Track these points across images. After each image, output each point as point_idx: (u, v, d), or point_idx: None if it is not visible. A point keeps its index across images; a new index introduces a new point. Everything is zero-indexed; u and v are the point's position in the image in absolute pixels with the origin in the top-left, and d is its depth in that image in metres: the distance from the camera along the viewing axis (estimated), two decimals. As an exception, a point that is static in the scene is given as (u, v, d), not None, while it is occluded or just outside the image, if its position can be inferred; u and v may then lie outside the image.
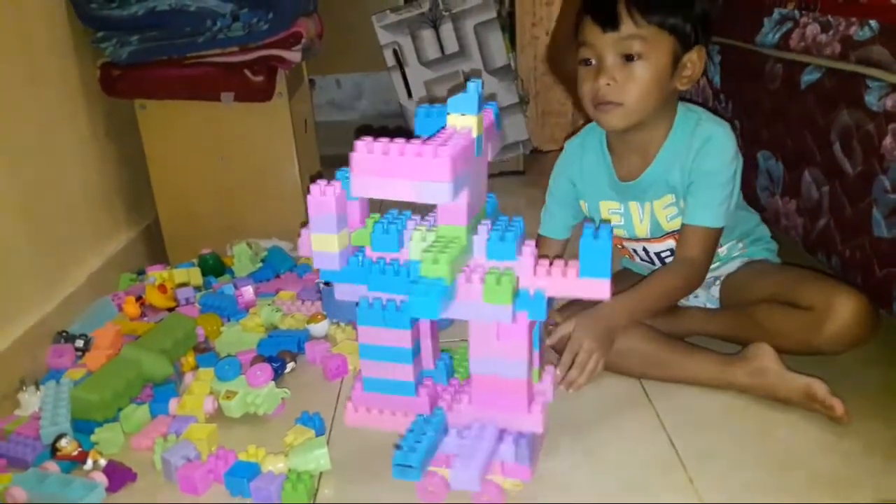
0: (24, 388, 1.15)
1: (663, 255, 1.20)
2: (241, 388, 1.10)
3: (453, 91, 0.82)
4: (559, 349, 1.05)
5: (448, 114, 0.81)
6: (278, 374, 1.17)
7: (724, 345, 1.15)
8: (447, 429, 0.90)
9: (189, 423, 1.06)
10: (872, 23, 1.09)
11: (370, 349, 0.91)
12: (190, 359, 1.24)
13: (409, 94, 2.23)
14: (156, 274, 1.53)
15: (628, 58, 1.03)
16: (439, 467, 0.90)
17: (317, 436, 1.02)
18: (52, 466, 0.98)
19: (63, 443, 1.00)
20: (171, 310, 1.43)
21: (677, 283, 1.11)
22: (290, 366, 1.22)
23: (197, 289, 1.52)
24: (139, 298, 1.45)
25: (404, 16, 2.18)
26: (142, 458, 1.02)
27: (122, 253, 1.64)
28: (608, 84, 1.04)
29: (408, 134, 0.84)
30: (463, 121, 0.80)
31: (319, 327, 1.31)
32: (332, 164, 2.31)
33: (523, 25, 2.37)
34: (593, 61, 1.06)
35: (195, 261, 1.61)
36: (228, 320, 1.39)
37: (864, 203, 1.12)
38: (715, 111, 1.57)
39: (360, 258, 0.89)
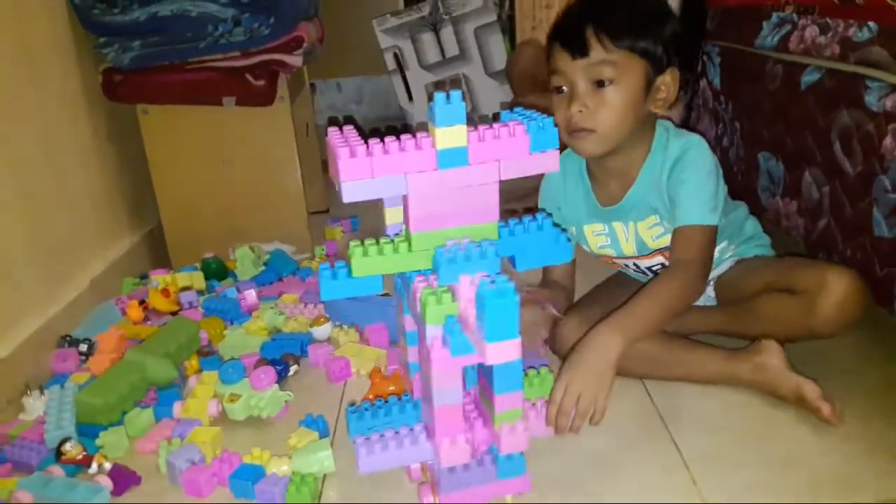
0: (29, 392, 1.15)
1: (655, 268, 1.19)
2: (245, 391, 1.10)
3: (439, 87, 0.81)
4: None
5: (437, 127, 0.76)
6: (281, 377, 1.17)
7: (726, 341, 1.15)
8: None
9: (193, 426, 1.06)
10: (871, 24, 1.09)
11: None
12: (193, 362, 1.24)
13: (410, 98, 2.24)
14: (159, 278, 1.54)
15: (599, 83, 1.02)
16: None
17: (320, 438, 1.02)
18: (56, 470, 0.98)
19: (67, 447, 1.01)
20: (174, 314, 1.44)
21: (676, 292, 1.03)
22: (293, 369, 1.22)
23: (200, 292, 1.53)
24: (142, 302, 1.46)
25: (405, 20, 2.19)
26: (146, 461, 1.02)
27: (125, 257, 1.64)
28: (580, 111, 1.03)
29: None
30: (452, 132, 0.77)
31: (322, 330, 1.31)
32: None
33: (523, 29, 2.38)
34: (565, 88, 1.05)
35: (198, 264, 1.62)
36: (231, 324, 1.40)
37: (865, 203, 1.12)
38: (715, 112, 1.58)
39: None
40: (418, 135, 0.79)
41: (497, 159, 0.78)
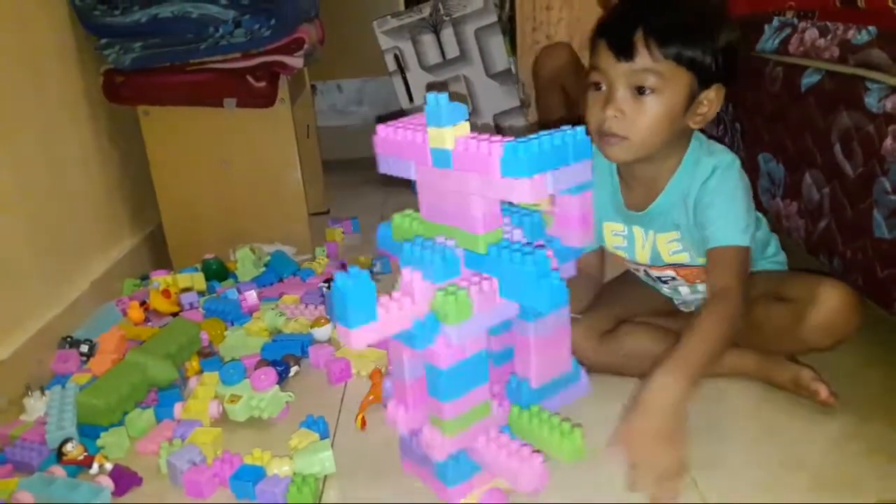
0: (30, 393, 1.15)
1: (664, 278, 1.17)
2: (246, 391, 1.10)
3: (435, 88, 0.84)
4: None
5: (441, 128, 0.78)
6: (282, 378, 1.18)
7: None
8: None
9: (194, 427, 1.06)
10: (871, 28, 1.10)
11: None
12: (194, 363, 1.25)
13: (411, 99, 2.24)
14: (160, 279, 1.54)
15: (640, 90, 0.97)
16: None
17: (321, 439, 1.02)
18: (58, 471, 0.98)
19: (69, 447, 1.01)
20: (174, 315, 1.44)
21: (724, 327, 0.94)
22: (293, 369, 1.22)
23: (200, 294, 1.53)
24: (143, 303, 1.46)
25: (405, 21, 2.19)
26: (147, 462, 1.03)
27: (126, 258, 1.65)
28: (615, 116, 0.98)
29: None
30: (441, 134, 0.78)
31: (323, 331, 1.31)
32: (334, 168, 2.34)
33: (524, 30, 2.39)
34: (603, 87, 1.00)
35: (199, 266, 1.62)
36: (232, 325, 1.40)
37: (865, 204, 1.12)
38: (716, 114, 1.57)
39: None
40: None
41: (476, 171, 0.76)
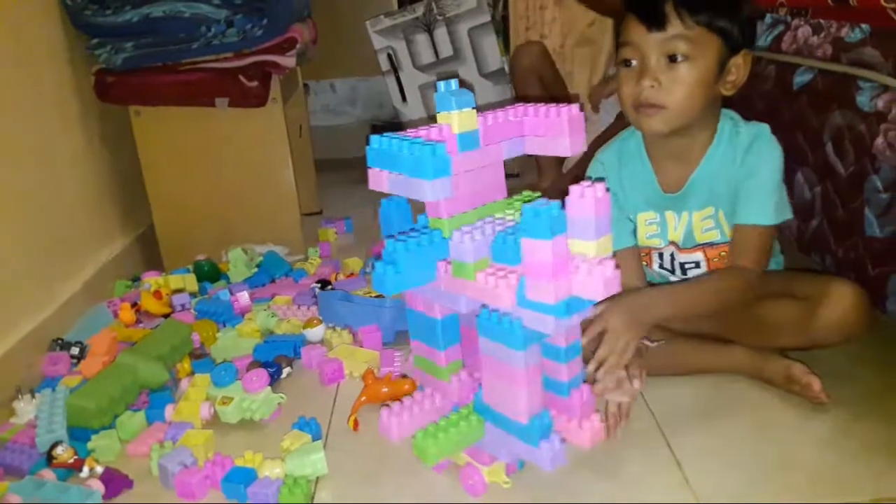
0: (20, 396, 1.15)
1: (687, 265, 1.17)
2: (238, 393, 1.10)
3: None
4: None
5: (451, 113, 0.85)
6: (274, 380, 1.17)
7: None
8: None
9: (185, 429, 1.06)
10: (864, 25, 1.10)
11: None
12: (186, 365, 1.24)
13: (404, 98, 2.23)
14: (151, 280, 1.53)
15: (672, 59, 0.99)
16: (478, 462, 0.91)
17: (313, 440, 1.02)
18: (48, 474, 0.98)
19: (59, 450, 1.00)
20: (166, 316, 1.43)
21: (730, 283, 1.03)
22: (286, 371, 1.21)
23: (192, 295, 1.53)
24: (134, 305, 1.45)
25: (398, 20, 2.19)
26: (138, 464, 1.02)
27: (117, 259, 1.64)
28: (651, 86, 0.99)
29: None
30: (467, 116, 0.85)
31: (315, 332, 1.31)
32: (327, 168, 2.33)
33: (517, 29, 2.38)
34: (634, 62, 1.01)
35: (190, 267, 1.61)
36: (224, 326, 1.39)
37: (857, 203, 1.12)
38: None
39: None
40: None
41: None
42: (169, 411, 1.11)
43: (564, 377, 0.90)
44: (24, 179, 1.36)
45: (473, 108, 0.85)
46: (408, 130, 0.89)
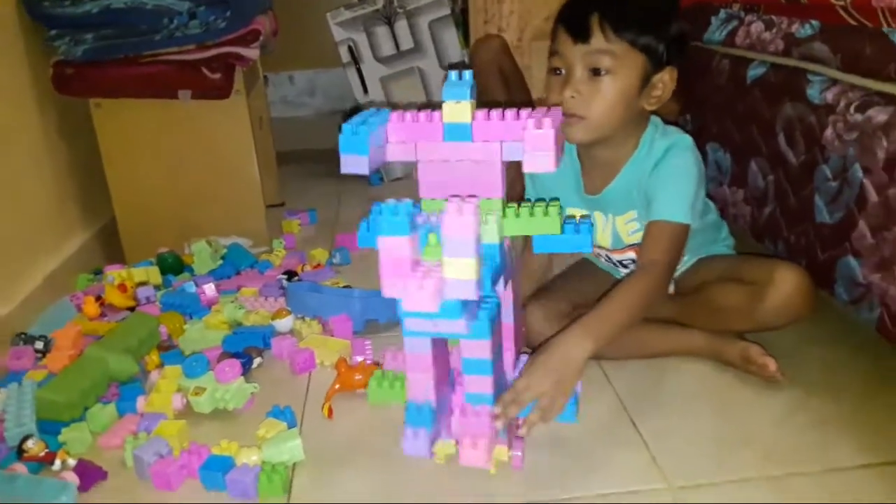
0: (-15, 390, 1.13)
1: (625, 261, 1.21)
2: (210, 384, 1.10)
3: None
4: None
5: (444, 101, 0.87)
6: (245, 370, 1.17)
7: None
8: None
9: (158, 420, 1.05)
10: (814, 22, 1.15)
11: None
12: (154, 357, 1.24)
13: (366, 91, 2.24)
14: (114, 273, 1.52)
15: (596, 72, 1.02)
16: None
17: (289, 428, 1.03)
18: (19, 468, 0.97)
19: (30, 444, 0.99)
20: (131, 309, 1.42)
21: (642, 297, 1.01)
22: (257, 361, 1.22)
23: (156, 287, 1.51)
24: (98, 298, 1.44)
25: (359, 13, 2.19)
26: (111, 456, 1.02)
27: (78, 253, 1.62)
28: (573, 97, 1.03)
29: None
30: (458, 108, 0.86)
31: (284, 323, 1.32)
32: (287, 160, 2.33)
33: (476, 23, 2.40)
34: (562, 71, 1.05)
35: (153, 259, 1.60)
36: (191, 318, 1.39)
37: (807, 191, 1.18)
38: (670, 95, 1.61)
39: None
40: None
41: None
42: (140, 403, 1.11)
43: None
44: (-18, 173, 1.33)
45: (470, 101, 0.86)
46: (404, 111, 0.90)
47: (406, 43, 2.23)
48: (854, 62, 1.06)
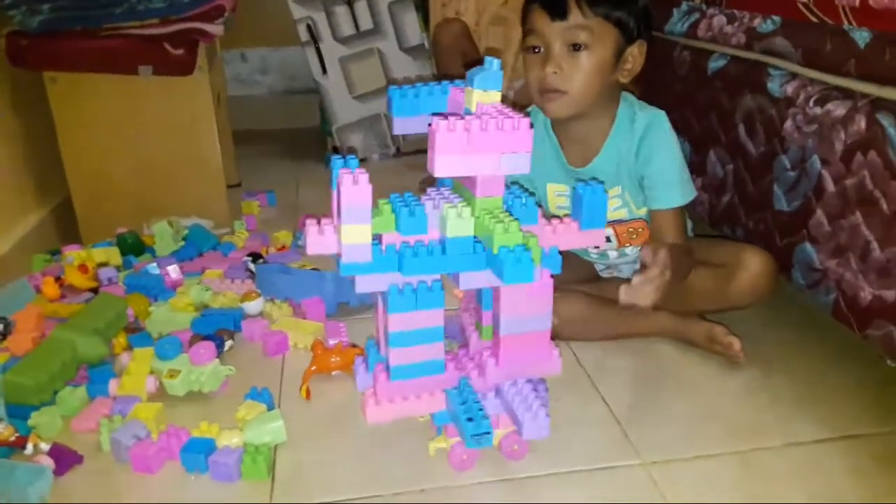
0: (-54, 374, 1.09)
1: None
2: (184, 366, 1.10)
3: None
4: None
5: (472, 90, 0.84)
6: (218, 353, 1.17)
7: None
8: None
9: (132, 403, 1.04)
10: (775, 17, 1.20)
11: (402, 336, 0.87)
12: (122, 339, 1.21)
13: (325, 71, 2.22)
14: (73, 254, 1.48)
15: (575, 47, 1.06)
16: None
17: (268, 410, 1.03)
18: (-11, 453, 0.95)
19: (-1, 428, 0.97)
20: (94, 290, 1.39)
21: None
22: (228, 343, 1.21)
23: (117, 269, 1.48)
24: (58, 279, 1.40)
25: (319, -9, 2.17)
26: (84, 440, 1.00)
27: (32, 233, 1.57)
28: (554, 72, 1.06)
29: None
30: (488, 97, 0.84)
31: (254, 305, 1.31)
32: (241, 140, 2.29)
33: (435, 6, 2.39)
34: (541, 49, 1.08)
35: (113, 240, 1.57)
36: (155, 300, 1.36)
37: (766, 180, 1.23)
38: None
39: (382, 246, 0.85)
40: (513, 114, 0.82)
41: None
42: (112, 386, 1.09)
43: None
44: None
45: (499, 91, 0.85)
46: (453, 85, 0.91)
47: (366, 23, 2.21)
48: (814, 57, 1.11)
